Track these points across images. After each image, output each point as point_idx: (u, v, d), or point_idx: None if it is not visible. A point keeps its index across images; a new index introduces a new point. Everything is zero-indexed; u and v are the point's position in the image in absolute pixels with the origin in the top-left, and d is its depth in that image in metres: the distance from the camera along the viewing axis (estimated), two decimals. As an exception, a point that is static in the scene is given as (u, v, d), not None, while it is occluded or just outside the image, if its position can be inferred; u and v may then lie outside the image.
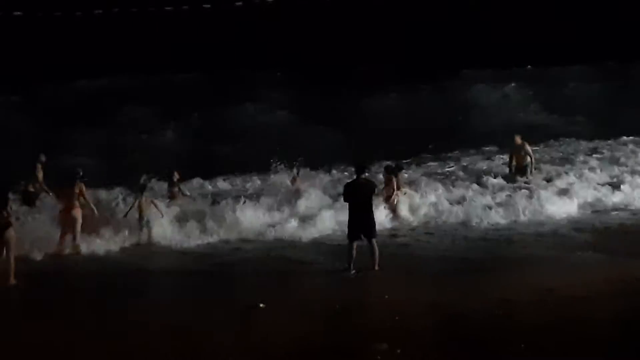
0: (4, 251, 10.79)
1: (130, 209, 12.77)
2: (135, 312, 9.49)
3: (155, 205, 12.72)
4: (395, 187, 14.02)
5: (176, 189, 13.88)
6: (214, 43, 32.62)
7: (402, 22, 34.22)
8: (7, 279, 10.67)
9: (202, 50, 32.20)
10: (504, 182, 15.98)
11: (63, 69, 29.10)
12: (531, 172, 16.22)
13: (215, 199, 14.76)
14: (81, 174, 13.72)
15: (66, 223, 12.63)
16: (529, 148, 16.33)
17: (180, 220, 13.18)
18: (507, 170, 16.71)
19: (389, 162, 15.37)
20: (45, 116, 23.95)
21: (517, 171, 16.31)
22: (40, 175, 14.63)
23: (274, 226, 13.55)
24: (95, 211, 12.89)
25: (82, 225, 12.57)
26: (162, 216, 12.79)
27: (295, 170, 16.03)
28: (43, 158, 14.99)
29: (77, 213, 12.57)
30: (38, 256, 12.08)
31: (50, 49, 31.46)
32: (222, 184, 17.67)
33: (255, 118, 25.29)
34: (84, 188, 12.83)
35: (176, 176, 14.06)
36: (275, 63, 31.30)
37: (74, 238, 12.53)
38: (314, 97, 26.17)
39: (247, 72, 29.74)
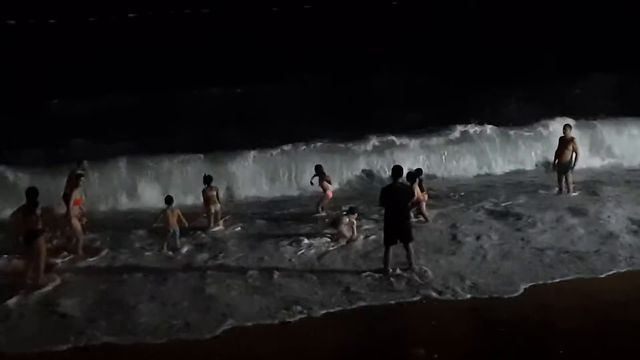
0: (33, 259, 10.79)
1: (157, 220, 12.82)
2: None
3: (180, 218, 12.84)
4: (419, 193, 13.67)
5: (213, 193, 13.96)
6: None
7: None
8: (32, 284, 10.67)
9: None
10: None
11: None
12: (572, 169, 15.63)
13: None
14: (85, 163, 13.81)
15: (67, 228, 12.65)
16: (577, 144, 15.74)
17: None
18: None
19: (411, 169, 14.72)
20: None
21: (558, 166, 15.89)
22: (79, 182, 12.79)
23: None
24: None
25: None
26: (186, 226, 12.90)
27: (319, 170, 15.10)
28: (86, 164, 14.04)
29: (75, 222, 12.31)
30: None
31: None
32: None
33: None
34: (78, 195, 12.55)
35: (212, 181, 14.07)
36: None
37: (76, 246, 12.31)
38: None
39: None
